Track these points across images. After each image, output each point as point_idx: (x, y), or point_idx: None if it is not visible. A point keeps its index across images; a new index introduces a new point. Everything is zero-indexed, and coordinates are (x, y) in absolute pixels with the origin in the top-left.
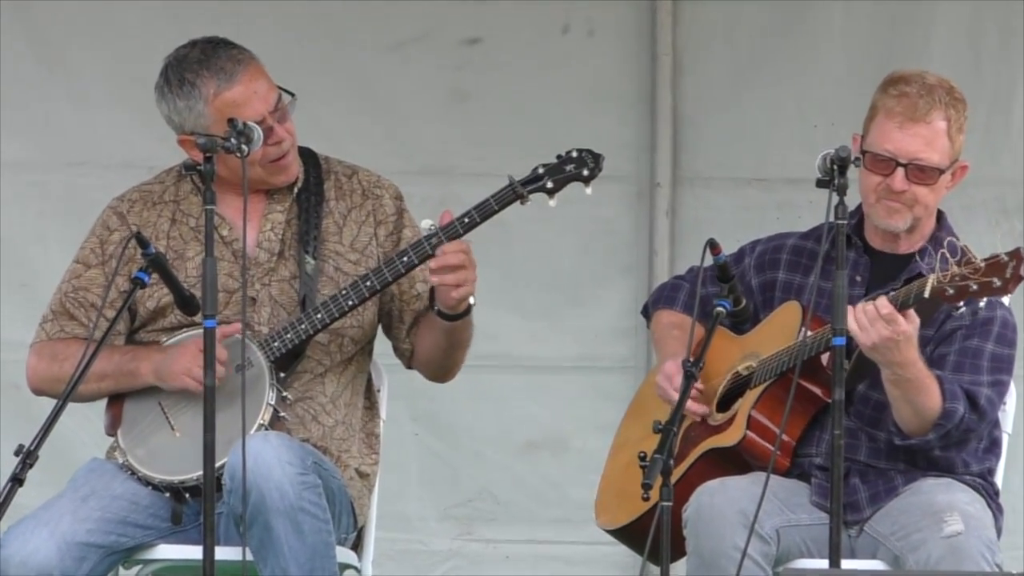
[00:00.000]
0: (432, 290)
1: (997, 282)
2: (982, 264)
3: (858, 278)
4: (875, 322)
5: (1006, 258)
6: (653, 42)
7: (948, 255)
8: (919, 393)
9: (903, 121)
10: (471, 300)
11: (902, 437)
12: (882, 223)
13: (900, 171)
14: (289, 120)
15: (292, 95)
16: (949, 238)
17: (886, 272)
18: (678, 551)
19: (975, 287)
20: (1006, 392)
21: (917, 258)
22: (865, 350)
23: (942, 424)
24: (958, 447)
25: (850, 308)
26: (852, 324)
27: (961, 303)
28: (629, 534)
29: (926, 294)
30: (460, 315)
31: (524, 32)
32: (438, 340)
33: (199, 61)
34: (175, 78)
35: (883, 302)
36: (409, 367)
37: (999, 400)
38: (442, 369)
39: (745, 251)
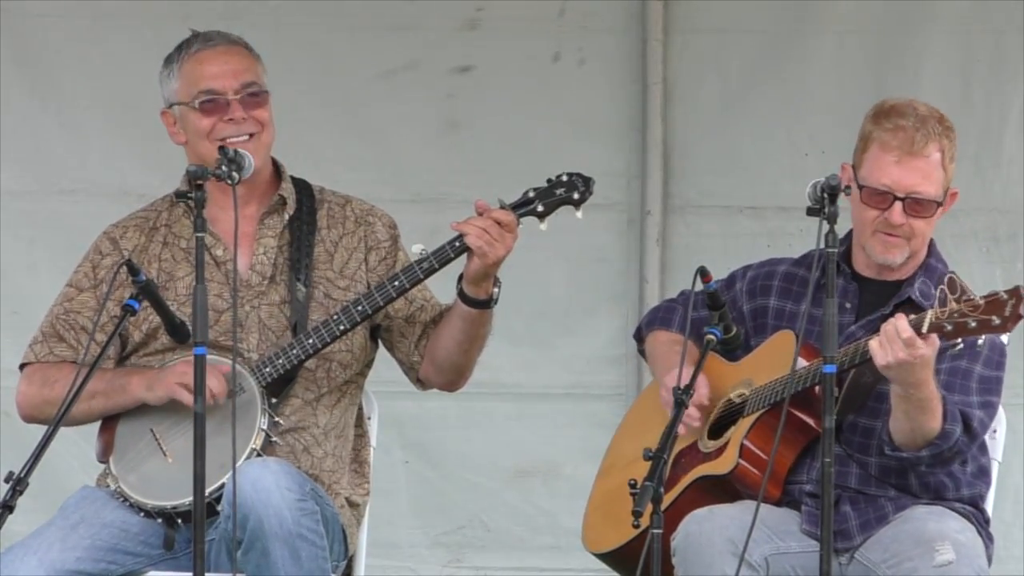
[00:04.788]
0: (460, 278)
1: (996, 320)
2: (981, 301)
3: (847, 305)
4: (894, 342)
5: (1005, 296)
6: (644, 71)
7: (947, 291)
8: (924, 413)
9: (900, 156)
10: (495, 293)
11: (893, 448)
12: (879, 258)
13: (898, 205)
14: (262, 110)
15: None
16: (949, 274)
17: (875, 299)
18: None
19: (974, 324)
20: (995, 414)
21: (906, 285)
22: (883, 370)
23: (937, 444)
24: (943, 466)
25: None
26: (872, 343)
27: (959, 340)
28: (618, 558)
29: (924, 329)
30: (482, 303)
31: (515, 61)
32: (456, 334)
33: (193, 36)
34: (172, 52)
35: (904, 325)
36: (419, 382)
37: (989, 422)
38: (456, 370)
39: (736, 276)
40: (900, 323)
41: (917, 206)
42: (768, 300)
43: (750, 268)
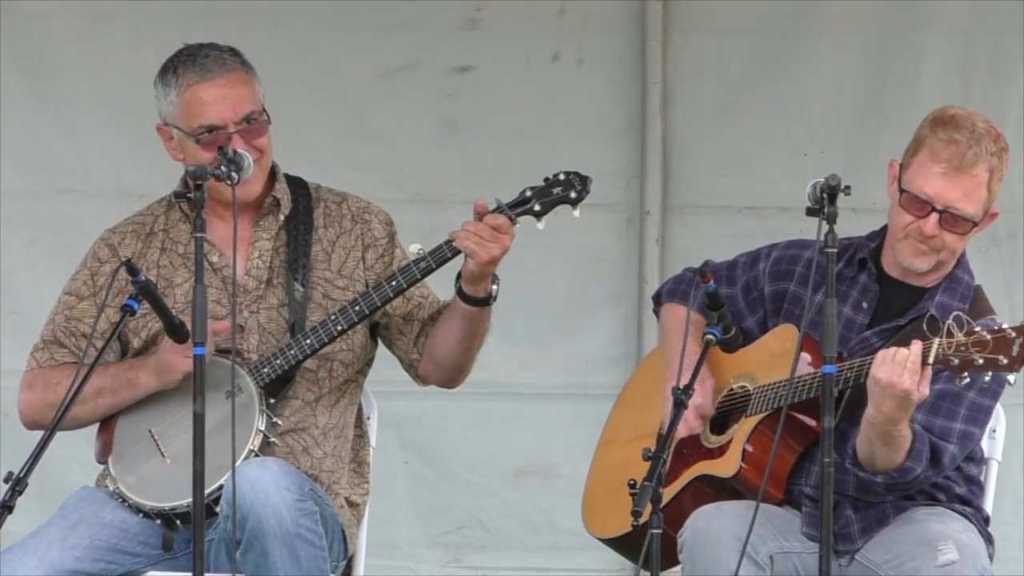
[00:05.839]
0: (458, 275)
1: (1003, 360)
2: (989, 338)
3: (864, 304)
4: (900, 366)
5: (1013, 334)
6: (643, 71)
7: (954, 327)
8: (887, 447)
9: (947, 169)
10: (494, 290)
11: (853, 462)
12: (905, 261)
13: (934, 216)
14: (262, 138)
15: (267, 119)
16: (956, 313)
17: (895, 303)
18: (669, 559)
19: (980, 362)
20: (971, 447)
21: (928, 296)
22: (870, 381)
23: (893, 476)
24: (898, 494)
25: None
26: (878, 356)
27: (965, 374)
28: (619, 544)
29: (930, 359)
30: (481, 301)
31: (514, 61)
32: (455, 331)
33: (190, 55)
34: (167, 66)
35: (917, 356)
36: (418, 378)
37: (961, 456)
38: (455, 367)
39: (761, 255)
40: (913, 350)
41: (953, 221)
42: (788, 285)
43: (776, 247)
